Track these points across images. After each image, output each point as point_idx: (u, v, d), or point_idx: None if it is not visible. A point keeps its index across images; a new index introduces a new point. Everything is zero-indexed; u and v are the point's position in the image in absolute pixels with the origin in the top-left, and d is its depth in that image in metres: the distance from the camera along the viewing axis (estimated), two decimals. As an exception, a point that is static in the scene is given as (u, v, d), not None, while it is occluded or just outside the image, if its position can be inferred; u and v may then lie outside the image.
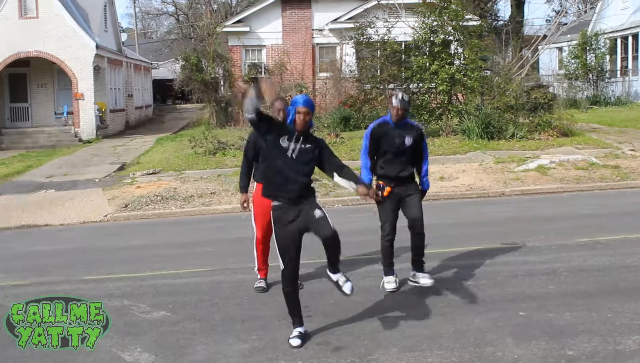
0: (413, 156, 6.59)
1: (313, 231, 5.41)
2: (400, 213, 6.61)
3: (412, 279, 6.59)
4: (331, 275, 5.54)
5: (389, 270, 6.67)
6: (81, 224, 11.79)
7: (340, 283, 5.47)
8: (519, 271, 7.10)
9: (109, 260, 8.82)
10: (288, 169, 5.35)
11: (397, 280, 6.68)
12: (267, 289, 6.95)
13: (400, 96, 6.49)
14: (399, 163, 6.52)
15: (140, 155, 21.05)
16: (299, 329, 5.49)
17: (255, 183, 6.90)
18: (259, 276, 7.05)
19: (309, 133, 5.49)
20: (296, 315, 5.51)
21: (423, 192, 6.69)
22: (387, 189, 6.51)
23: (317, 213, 5.38)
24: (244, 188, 7.03)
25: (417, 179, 6.72)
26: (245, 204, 7.02)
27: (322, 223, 5.35)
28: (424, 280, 6.45)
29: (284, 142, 5.38)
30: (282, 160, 5.37)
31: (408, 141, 6.51)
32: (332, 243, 5.37)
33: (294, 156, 5.36)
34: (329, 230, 5.32)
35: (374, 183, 6.64)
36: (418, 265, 6.53)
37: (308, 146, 5.43)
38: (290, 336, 5.45)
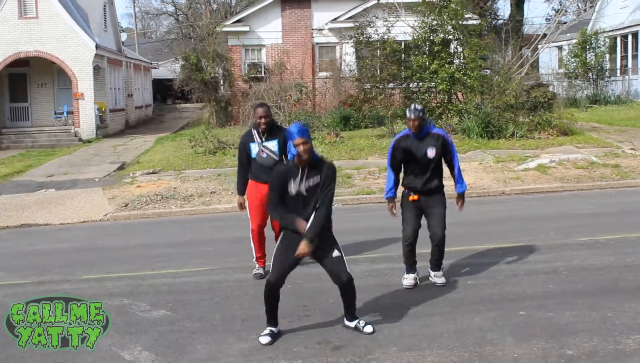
0: (438, 167, 6.59)
1: (326, 269, 5.50)
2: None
3: (429, 277, 6.85)
4: (348, 323, 5.62)
5: (410, 268, 6.79)
6: (81, 223, 11.78)
7: (360, 327, 5.56)
8: (519, 270, 7.10)
9: (109, 259, 8.82)
10: (301, 210, 5.37)
11: (417, 278, 6.77)
12: (264, 276, 7.15)
13: (412, 106, 6.49)
14: (423, 177, 6.54)
15: (140, 154, 21.05)
16: (271, 328, 5.51)
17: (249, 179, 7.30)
18: (257, 265, 7.39)
19: (314, 161, 5.44)
20: (272, 316, 5.50)
21: (460, 195, 6.73)
22: (413, 196, 6.56)
23: (335, 252, 5.47)
24: (241, 190, 7.39)
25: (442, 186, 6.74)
26: (243, 206, 7.39)
27: (338, 266, 5.43)
28: (437, 279, 6.76)
29: (290, 186, 5.37)
30: (293, 204, 5.38)
31: (431, 153, 6.49)
32: (347, 289, 5.48)
33: (304, 194, 5.38)
34: (345, 275, 5.41)
35: (400, 189, 6.78)
36: (434, 266, 6.82)
37: (314, 178, 5.42)
38: (261, 333, 5.47)
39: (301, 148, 5.29)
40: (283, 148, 7.09)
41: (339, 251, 5.50)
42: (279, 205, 5.41)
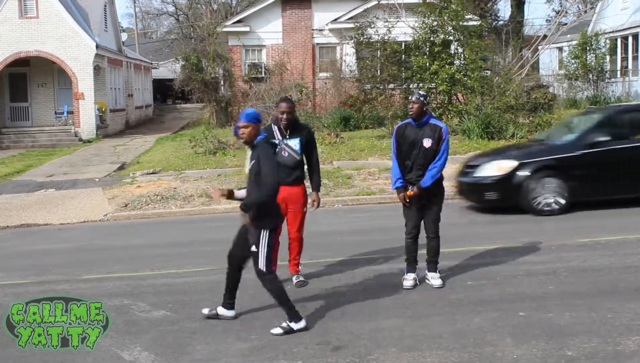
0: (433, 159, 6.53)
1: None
2: None
3: (425, 278, 6.81)
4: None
5: (410, 267, 6.78)
6: (81, 223, 11.79)
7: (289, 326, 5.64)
8: (519, 271, 7.10)
9: (109, 259, 8.82)
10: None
11: (417, 279, 6.76)
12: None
13: (415, 91, 6.67)
14: (419, 167, 6.51)
15: (140, 155, 21.06)
16: (219, 308, 6.00)
17: None
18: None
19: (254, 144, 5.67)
20: (225, 296, 5.98)
21: (419, 186, 6.46)
22: (411, 192, 6.53)
23: (253, 248, 5.60)
24: None
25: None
26: None
27: (254, 260, 5.66)
28: (434, 281, 6.72)
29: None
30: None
31: (427, 143, 6.46)
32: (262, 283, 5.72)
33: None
34: (255, 269, 5.65)
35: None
36: (430, 266, 6.80)
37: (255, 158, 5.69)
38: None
39: (240, 131, 5.60)
40: (306, 147, 6.78)
41: (257, 247, 5.57)
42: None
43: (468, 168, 10.90)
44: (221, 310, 5.99)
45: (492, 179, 10.29)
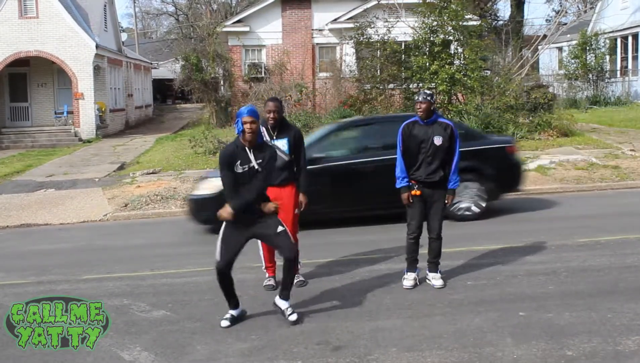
0: (444, 157, 6.54)
1: (273, 244, 5.84)
2: None
3: (427, 278, 6.80)
4: (279, 302, 5.85)
5: (410, 266, 6.77)
6: (81, 223, 11.79)
7: (287, 313, 5.78)
8: (519, 271, 7.10)
9: (109, 259, 8.82)
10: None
11: (417, 279, 6.75)
12: (276, 287, 6.83)
13: (422, 91, 6.61)
14: (428, 166, 6.51)
15: (140, 155, 21.05)
16: (231, 312, 5.86)
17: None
18: (267, 275, 7.05)
19: (259, 143, 5.73)
20: (230, 299, 5.90)
21: (451, 191, 6.60)
22: (416, 191, 6.54)
23: (279, 227, 5.69)
24: None
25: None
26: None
27: (285, 240, 5.71)
28: (435, 281, 6.71)
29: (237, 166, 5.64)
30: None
31: (438, 140, 6.47)
32: (291, 265, 5.74)
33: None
34: (290, 251, 5.70)
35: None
36: (432, 266, 6.79)
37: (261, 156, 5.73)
38: (223, 317, 5.85)
39: (248, 126, 5.58)
40: (294, 147, 6.71)
41: (282, 226, 5.75)
42: (235, 188, 5.67)
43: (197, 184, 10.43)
44: (234, 312, 5.93)
45: (203, 198, 9.67)
